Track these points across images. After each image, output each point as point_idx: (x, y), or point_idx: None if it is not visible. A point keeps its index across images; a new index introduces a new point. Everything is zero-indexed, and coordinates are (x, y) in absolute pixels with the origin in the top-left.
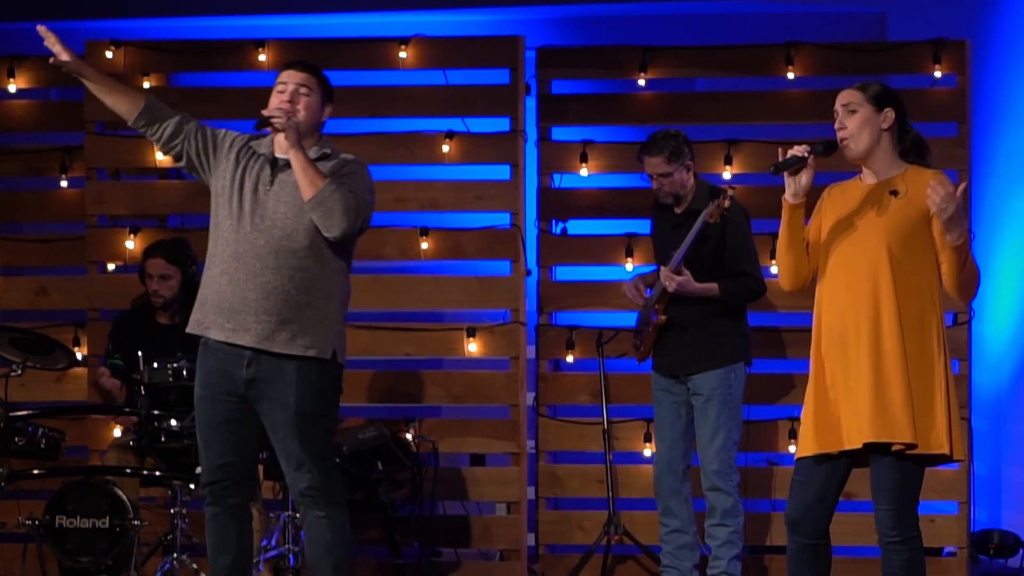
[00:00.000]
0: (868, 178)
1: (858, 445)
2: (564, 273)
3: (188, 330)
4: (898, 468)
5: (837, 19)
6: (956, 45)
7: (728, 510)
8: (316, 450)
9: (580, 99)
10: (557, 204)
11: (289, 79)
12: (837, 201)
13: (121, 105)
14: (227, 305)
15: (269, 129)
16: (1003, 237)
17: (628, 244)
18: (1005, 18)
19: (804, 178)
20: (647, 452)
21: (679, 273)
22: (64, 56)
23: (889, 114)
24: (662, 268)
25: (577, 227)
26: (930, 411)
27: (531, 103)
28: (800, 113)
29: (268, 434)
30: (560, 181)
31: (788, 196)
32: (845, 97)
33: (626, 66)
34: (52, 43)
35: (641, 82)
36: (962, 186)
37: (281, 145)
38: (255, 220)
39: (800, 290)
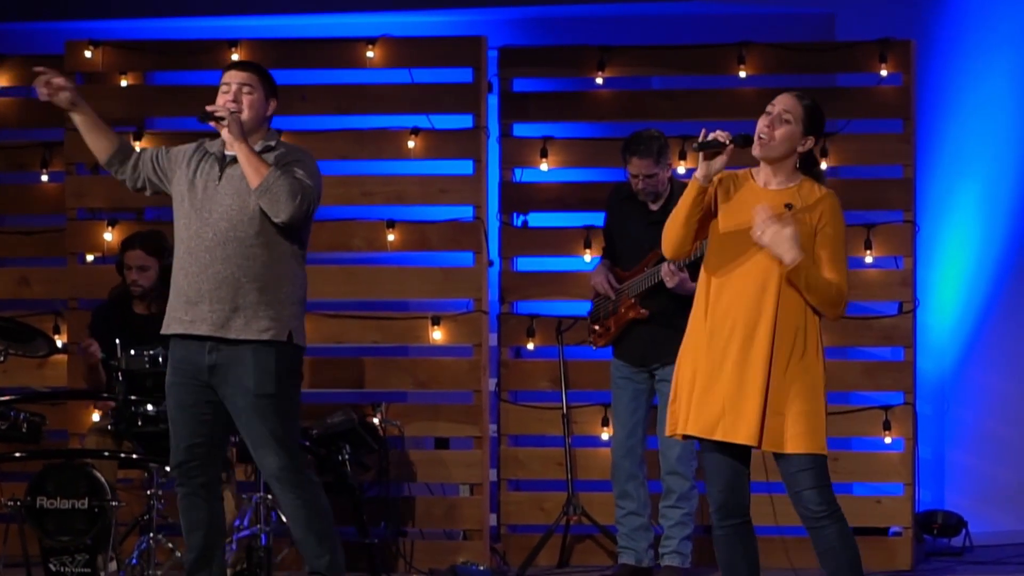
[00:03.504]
0: (763, 180)
1: (725, 438)
2: (525, 264)
3: (162, 331)
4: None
5: (787, 20)
6: (901, 45)
7: (684, 494)
8: (279, 432)
9: (540, 97)
10: (518, 198)
11: (232, 79)
12: (730, 193)
13: (98, 144)
14: (184, 299)
15: (212, 124)
16: (946, 230)
17: (587, 236)
18: (948, 19)
19: (718, 163)
20: (604, 436)
21: (680, 270)
22: (64, 94)
23: (809, 142)
24: (666, 264)
25: (537, 220)
26: (804, 414)
27: (493, 101)
28: (752, 110)
29: (233, 419)
30: (521, 176)
31: (700, 176)
32: (787, 103)
33: (584, 65)
34: (51, 77)
35: (599, 80)
36: (782, 218)
37: (229, 141)
38: (204, 215)
39: (676, 260)
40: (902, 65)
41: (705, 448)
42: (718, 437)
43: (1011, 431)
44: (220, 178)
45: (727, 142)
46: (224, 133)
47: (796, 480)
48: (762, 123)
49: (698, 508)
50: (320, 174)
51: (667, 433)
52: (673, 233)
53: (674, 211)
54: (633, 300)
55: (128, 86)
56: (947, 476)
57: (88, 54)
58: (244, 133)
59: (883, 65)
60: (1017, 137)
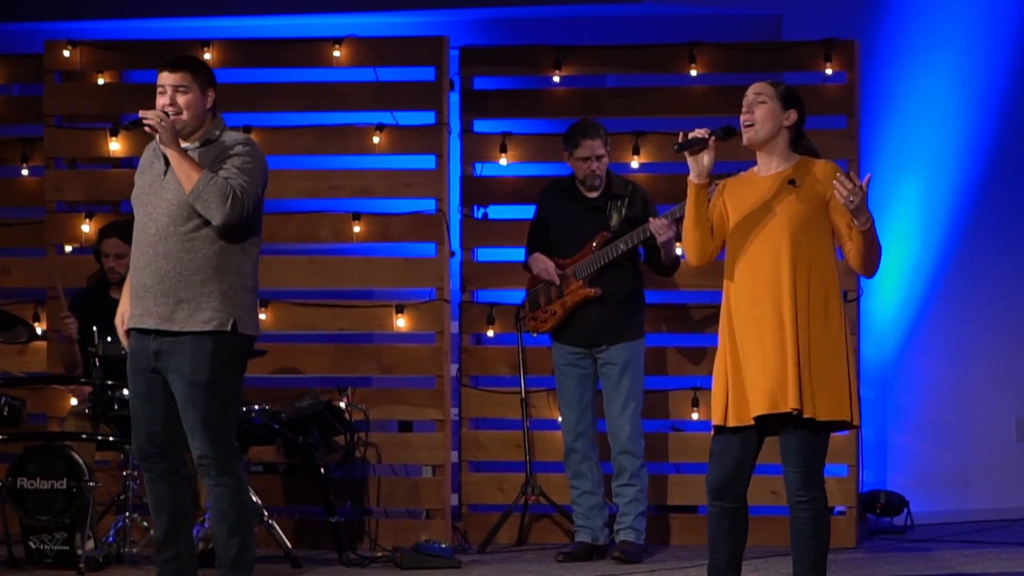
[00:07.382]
0: (763, 170)
1: (759, 412)
2: (485, 254)
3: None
4: (803, 434)
5: (736, 20)
6: (846, 45)
7: (636, 472)
8: (208, 420)
9: (500, 94)
10: (479, 191)
11: (165, 81)
12: (736, 192)
13: None
14: (133, 293)
15: (147, 129)
16: (888, 222)
17: None
18: (891, 20)
19: (706, 159)
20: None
21: (671, 226)
22: None
23: (792, 114)
24: (655, 219)
25: (497, 212)
26: (830, 382)
27: (455, 98)
28: (702, 107)
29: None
30: (481, 170)
31: (693, 176)
32: (757, 88)
33: (542, 64)
34: None
35: (556, 79)
36: (867, 178)
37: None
38: (148, 210)
39: (705, 265)
40: (846, 64)
41: (719, 431)
42: (765, 411)
43: (950, 415)
44: (165, 173)
45: (706, 137)
46: (157, 139)
47: (785, 461)
48: (742, 115)
49: (648, 486)
50: (262, 164)
51: (713, 426)
52: (688, 240)
53: (684, 218)
54: (581, 282)
55: (105, 84)
56: (889, 458)
57: (67, 53)
58: (175, 138)
59: (828, 64)
60: (956, 133)
